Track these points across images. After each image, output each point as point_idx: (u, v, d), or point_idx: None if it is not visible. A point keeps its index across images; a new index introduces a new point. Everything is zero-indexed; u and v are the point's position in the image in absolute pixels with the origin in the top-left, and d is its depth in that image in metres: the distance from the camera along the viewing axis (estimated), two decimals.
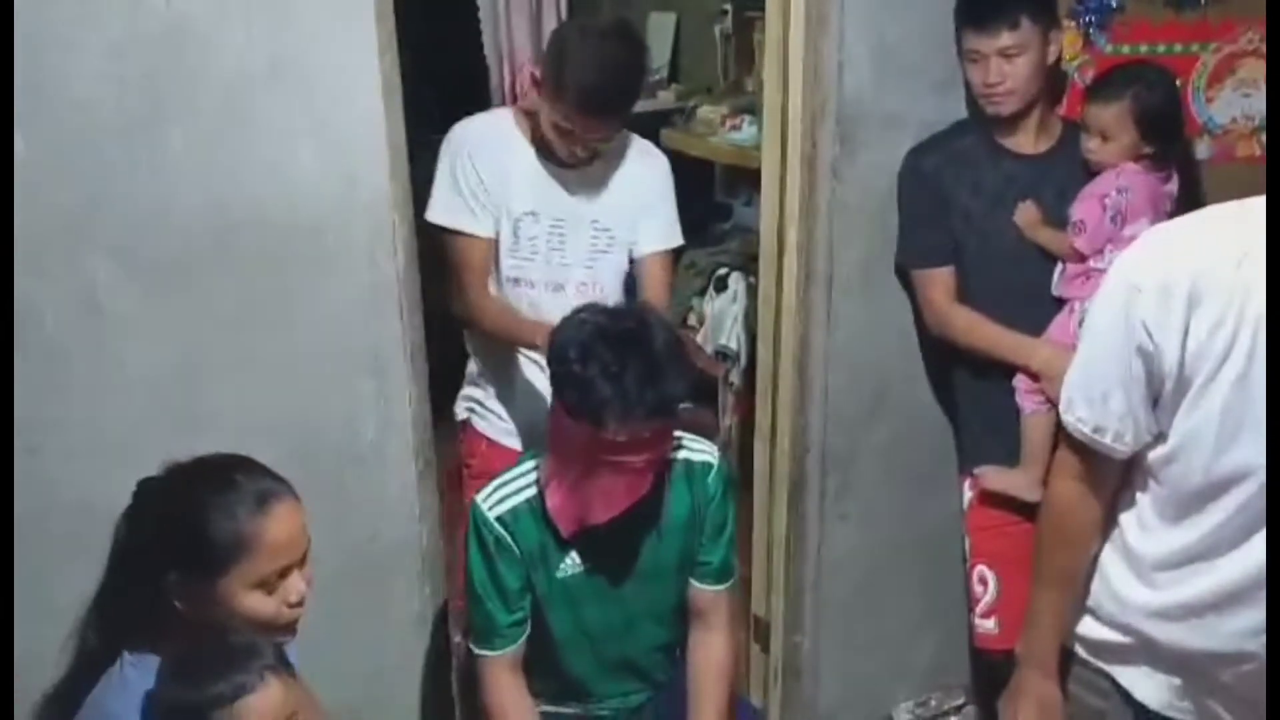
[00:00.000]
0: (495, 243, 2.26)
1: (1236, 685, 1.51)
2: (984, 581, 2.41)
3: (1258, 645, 1.45)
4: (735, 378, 3.72)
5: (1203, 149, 2.59)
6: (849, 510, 2.64)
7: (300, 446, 2.07)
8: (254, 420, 2.01)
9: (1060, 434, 1.59)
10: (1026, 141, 2.32)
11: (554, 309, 2.22)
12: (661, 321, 1.75)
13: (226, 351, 1.98)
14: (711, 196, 4.20)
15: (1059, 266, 2.27)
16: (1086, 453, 1.55)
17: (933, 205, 2.34)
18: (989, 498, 2.37)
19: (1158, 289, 1.40)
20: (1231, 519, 1.43)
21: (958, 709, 2.87)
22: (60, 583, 1.87)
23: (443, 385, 2.41)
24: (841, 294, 2.47)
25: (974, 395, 2.43)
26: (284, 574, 1.43)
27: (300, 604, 1.46)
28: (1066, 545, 1.61)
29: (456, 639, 2.54)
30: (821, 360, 2.51)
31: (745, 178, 3.69)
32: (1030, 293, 2.28)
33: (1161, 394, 1.45)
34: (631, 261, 2.36)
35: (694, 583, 1.93)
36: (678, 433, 1.84)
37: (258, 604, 1.41)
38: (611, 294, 2.31)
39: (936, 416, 2.61)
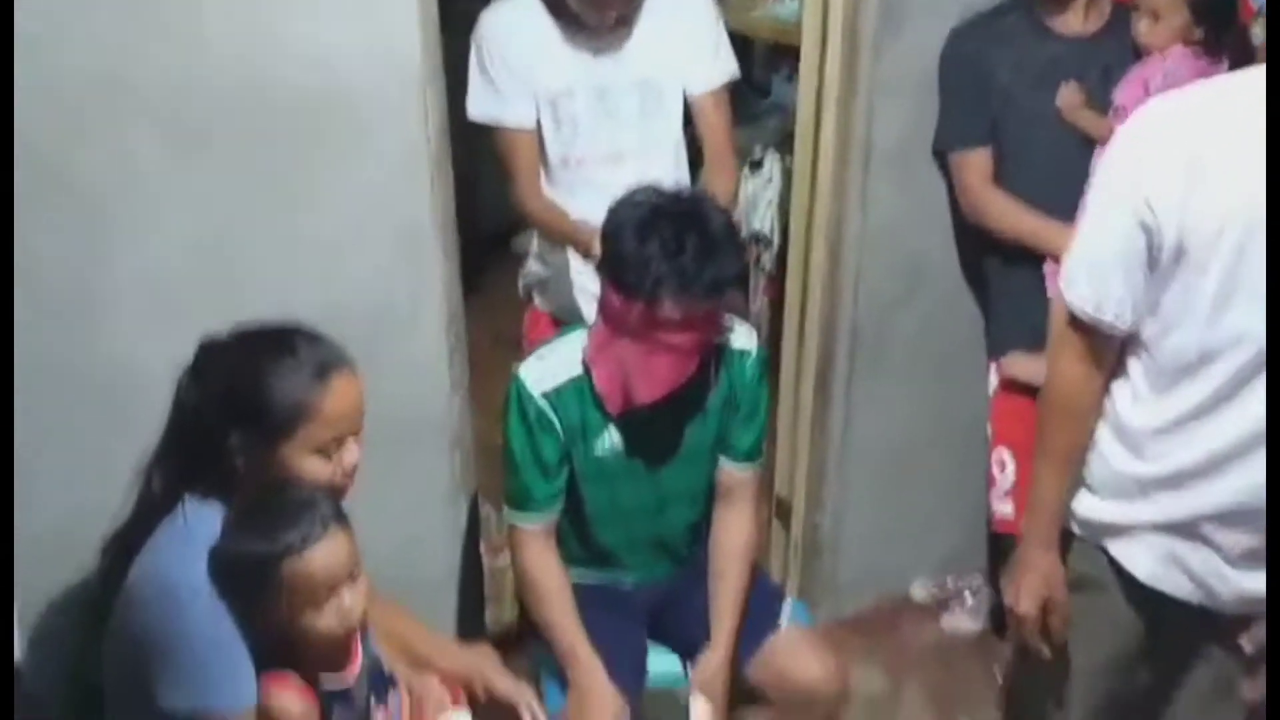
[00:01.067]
0: (538, 132, 2.23)
1: (1229, 548, 1.55)
2: (1003, 465, 2.44)
3: (1248, 502, 1.49)
4: (767, 261, 3.72)
5: (1257, 34, 2.51)
6: (876, 393, 2.66)
7: (332, 316, 2.07)
8: (287, 289, 2.04)
9: (1060, 312, 1.60)
10: (1074, 21, 2.26)
11: (611, 184, 2.21)
12: (717, 204, 1.76)
13: (261, 219, 2.00)
14: (750, 73, 4.12)
15: (1098, 151, 2.23)
16: (1087, 330, 1.56)
17: (974, 86, 2.30)
18: (1014, 384, 2.38)
19: (1159, 162, 1.41)
20: (1223, 385, 1.46)
21: (974, 590, 2.93)
22: (105, 439, 1.94)
23: (474, 258, 2.43)
24: (877, 175, 2.44)
25: (1005, 281, 2.42)
26: (340, 442, 1.48)
27: (354, 471, 1.52)
28: (1069, 423, 1.63)
29: (486, 509, 2.61)
30: (854, 242, 2.49)
31: (785, 55, 3.62)
32: (1068, 178, 2.24)
33: (1158, 267, 1.46)
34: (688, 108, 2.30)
35: (723, 462, 1.97)
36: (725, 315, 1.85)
37: (315, 468, 1.47)
38: (670, 164, 2.28)
39: (967, 302, 2.61)
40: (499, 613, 2.69)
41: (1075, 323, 1.57)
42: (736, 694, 1.94)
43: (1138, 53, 2.19)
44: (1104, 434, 1.63)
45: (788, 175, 2.96)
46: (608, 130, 2.23)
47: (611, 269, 1.72)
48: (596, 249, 1.83)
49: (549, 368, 1.85)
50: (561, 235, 2.24)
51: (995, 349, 2.48)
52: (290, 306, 1.99)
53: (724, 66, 2.31)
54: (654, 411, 1.79)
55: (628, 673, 1.90)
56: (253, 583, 1.41)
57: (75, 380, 1.95)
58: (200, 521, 1.45)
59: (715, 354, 1.86)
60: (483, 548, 2.58)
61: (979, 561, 2.92)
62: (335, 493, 1.51)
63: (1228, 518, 1.53)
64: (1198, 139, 1.39)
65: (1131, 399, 1.58)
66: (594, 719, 1.78)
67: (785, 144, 3.23)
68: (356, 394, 1.50)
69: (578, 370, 1.84)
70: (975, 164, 2.33)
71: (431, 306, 2.20)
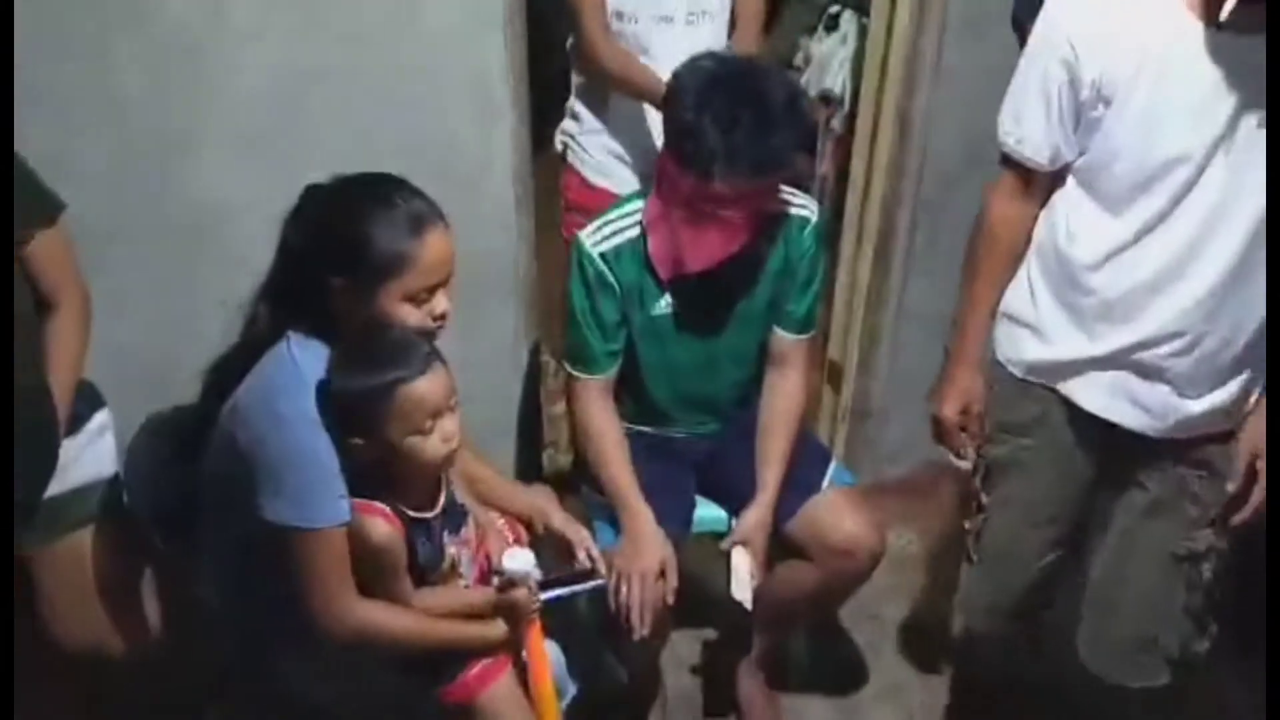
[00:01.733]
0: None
1: (1172, 372, 1.65)
2: None
3: (1186, 325, 1.61)
4: (837, 123, 3.68)
5: None
6: (934, 265, 2.68)
7: (403, 161, 2.11)
8: (361, 136, 2.10)
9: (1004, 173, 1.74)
10: None
11: (659, 43, 2.21)
12: (784, 77, 1.75)
13: (340, 63, 2.05)
14: None
15: None
16: (1016, 167, 1.70)
17: None
18: None
19: (1083, 6, 1.56)
20: (1163, 206, 1.57)
21: None
22: (192, 271, 2.04)
23: (545, 111, 2.45)
24: (952, 45, 2.41)
25: None
26: (432, 291, 1.56)
27: (444, 318, 1.60)
28: (1001, 255, 1.77)
29: (545, 357, 2.69)
30: (924, 112, 2.48)
31: None
32: None
33: (1082, 108, 1.58)
34: None
35: (776, 329, 2.01)
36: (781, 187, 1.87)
37: (408, 314, 1.54)
38: (720, 24, 2.28)
39: None
40: (555, 457, 2.81)
41: (1006, 160, 1.72)
42: (776, 548, 2.03)
43: None
44: (1044, 277, 1.73)
45: (864, 35, 2.91)
46: (654, 26, 2.22)
47: (668, 135, 1.74)
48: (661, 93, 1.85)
49: (608, 230, 1.89)
50: (637, 86, 2.24)
51: None
52: (364, 154, 2.05)
53: None
54: (707, 277, 1.82)
55: (675, 519, 2.00)
56: (360, 413, 1.51)
57: (163, 214, 2.04)
58: (304, 355, 1.54)
59: (772, 222, 1.88)
60: (542, 395, 2.67)
61: None
62: (427, 337, 1.59)
63: (1167, 339, 1.63)
64: None
65: (1068, 235, 1.68)
66: (643, 562, 1.87)
67: (864, 3, 3.17)
68: (448, 247, 1.56)
69: (635, 233, 1.88)
70: None
71: (500, 156, 2.25)
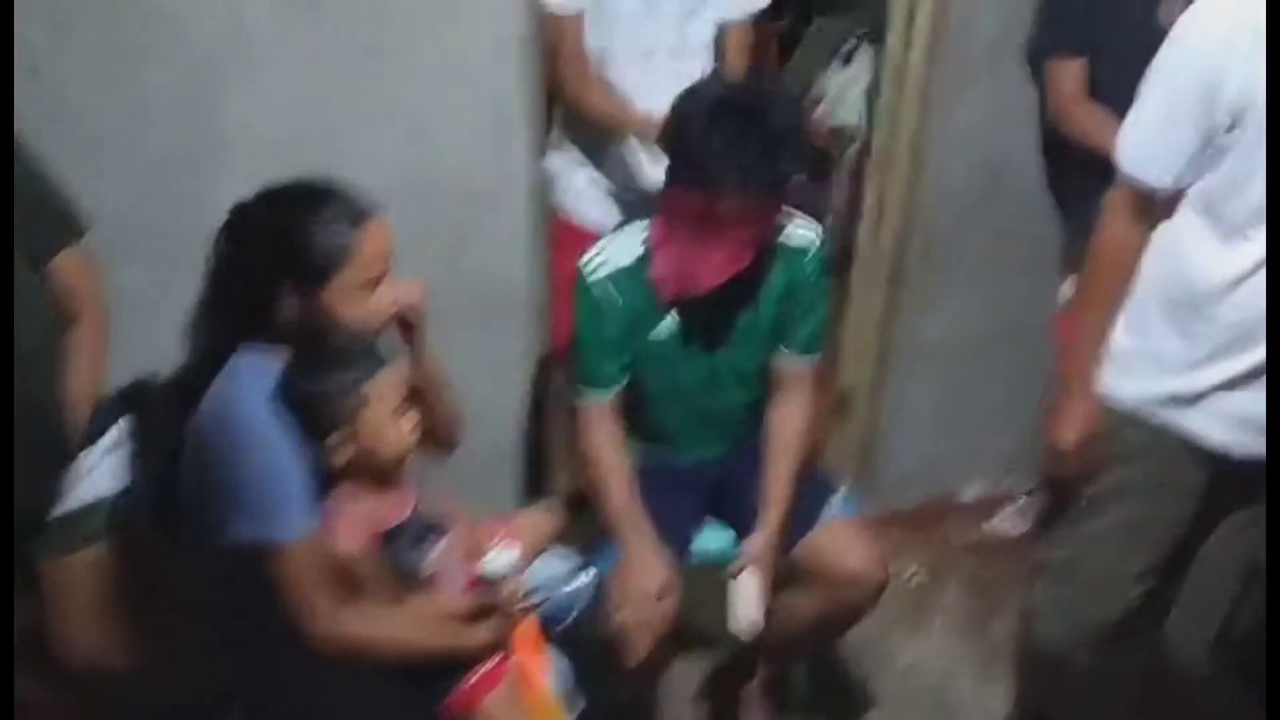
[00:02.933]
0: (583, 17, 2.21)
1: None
2: None
3: None
4: (853, 154, 3.69)
5: None
6: (946, 294, 2.69)
7: (420, 182, 2.18)
8: (381, 153, 2.12)
9: (1117, 190, 1.73)
10: None
11: (640, 80, 2.22)
12: (787, 97, 1.77)
13: (360, 83, 2.07)
14: None
15: None
16: (1135, 188, 1.69)
17: None
18: None
19: (1225, 30, 1.53)
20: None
21: (1025, 494, 2.98)
22: None
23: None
24: (967, 76, 2.43)
25: (1086, 195, 2.36)
26: (376, 282, 1.58)
27: (389, 309, 1.62)
28: (1113, 276, 1.77)
29: (557, 378, 2.69)
30: (938, 142, 2.49)
31: None
32: None
33: (1216, 133, 1.57)
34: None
35: (782, 350, 2.01)
36: (784, 209, 1.88)
37: (356, 309, 1.57)
38: (703, 61, 2.28)
39: (1044, 212, 2.60)
40: (565, 476, 2.81)
41: (1125, 180, 1.70)
42: (782, 576, 2.03)
43: None
44: (1160, 305, 1.72)
45: (879, 68, 2.93)
46: (649, 22, 2.22)
47: (673, 158, 1.75)
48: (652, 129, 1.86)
49: (612, 252, 1.90)
50: (623, 123, 2.24)
51: (1070, 261, 2.47)
52: (382, 173, 2.07)
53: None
54: (708, 299, 1.83)
55: (676, 545, 1.99)
56: (335, 408, 1.55)
57: (184, 232, 2.04)
58: (253, 371, 1.56)
59: (775, 246, 1.89)
60: (553, 413, 2.67)
61: (1031, 469, 2.97)
62: (376, 332, 1.62)
63: None
64: (1260, 14, 1.50)
65: (1188, 262, 1.67)
66: (643, 583, 1.87)
67: (880, 36, 3.19)
68: (387, 237, 1.59)
69: (639, 253, 1.89)
70: (1071, 74, 2.31)
71: (515, 180, 2.27)
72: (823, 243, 1.96)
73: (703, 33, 2.29)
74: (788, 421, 2.04)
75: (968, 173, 2.54)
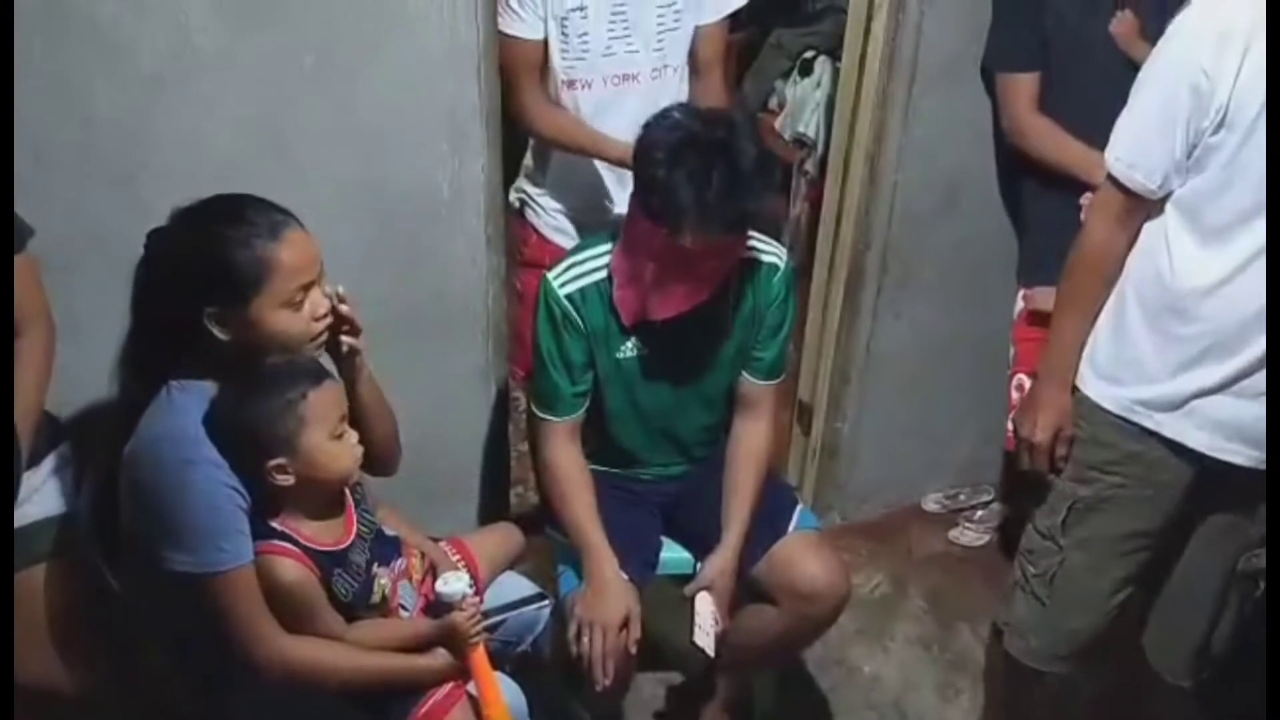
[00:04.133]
0: (544, 45, 2.18)
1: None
2: (1022, 389, 2.46)
3: None
4: (810, 166, 3.71)
5: None
6: (902, 308, 2.70)
7: (375, 197, 2.16)
8: (333, 170, 2.09)
9: (1102, 190, 1.74)
10: None
11: (618, 106, 2.20)
12: (752, 132, 1.74)
13: (310, 101, 2.04)
14: None
15: None
16: (1122, 191, 1.70)
17: (1029, 4, 2.27)
18: (1039, 315, 2.40)
19: (1218, 35, 1.54)
20: (1265, 233, 1.58)
21: (985, 504, 3.00)
22: None
23: (518, 149, 2.45)
24: (922, 89, 2.44)
25: (1041, 207, 2.42)
26: (305, 291, 1.56)
27: (325, 317, 1.60)
28: (1094, 278, 1.78)
29: (516, 394, 2.68)
30: (894, 155, 2.50)
31: None
32: (1114, 108, 2.22)
33: (1202, 136, 1.59)
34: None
35: (745, 375, 2.00)
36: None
37: (288, 321, 1.55)
38: (682, 75, 2.27)
39: (1002, 223, 2.61)
40: (525, 495, 2.79)
41: (1112, 182, 1.71)
42: (742, 592, 2.02)
43: None
44: (1142, 310, 1.73)
45: (838, 77, 2.94)
46: (626, 46, 2.18)
47: (638, 189, 1.73)
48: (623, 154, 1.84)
49: (575, 272, 1.88)
50: (580, 145, 2.22)
51: (1025, 275, 2.49)
52: (332, 188, 2.05)
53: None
54: (674, 322, 1.82)
55: (639, 563, 1.98)
56: (276, 430, 1.52)
57: (127, 244, 2.01)
58: (185, 399, 1.54)
59: (740, 269, 1.88)
60: (511, 433, 2.66)
61: (991, 478, 2.99)
62: (313, 343, 1.60)
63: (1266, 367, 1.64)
64: (1253, 13, 1.52)
65: (1170, 267, 1.68)
66: (606, 611, 1.86)
67: (838, 48, 3.21)
68: (310, 245, 1.57)
69: (603, 275, 1.87)
70: (1023, 88, 2.32)
71: (472, 195, 2.24)
72: (788, 264, 1.95)
73: (680, 46, 2.25)
74: (750, 442, 2.03)
75: (924, 186, 2.55)
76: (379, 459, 1.78)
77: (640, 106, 2.00)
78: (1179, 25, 1.61)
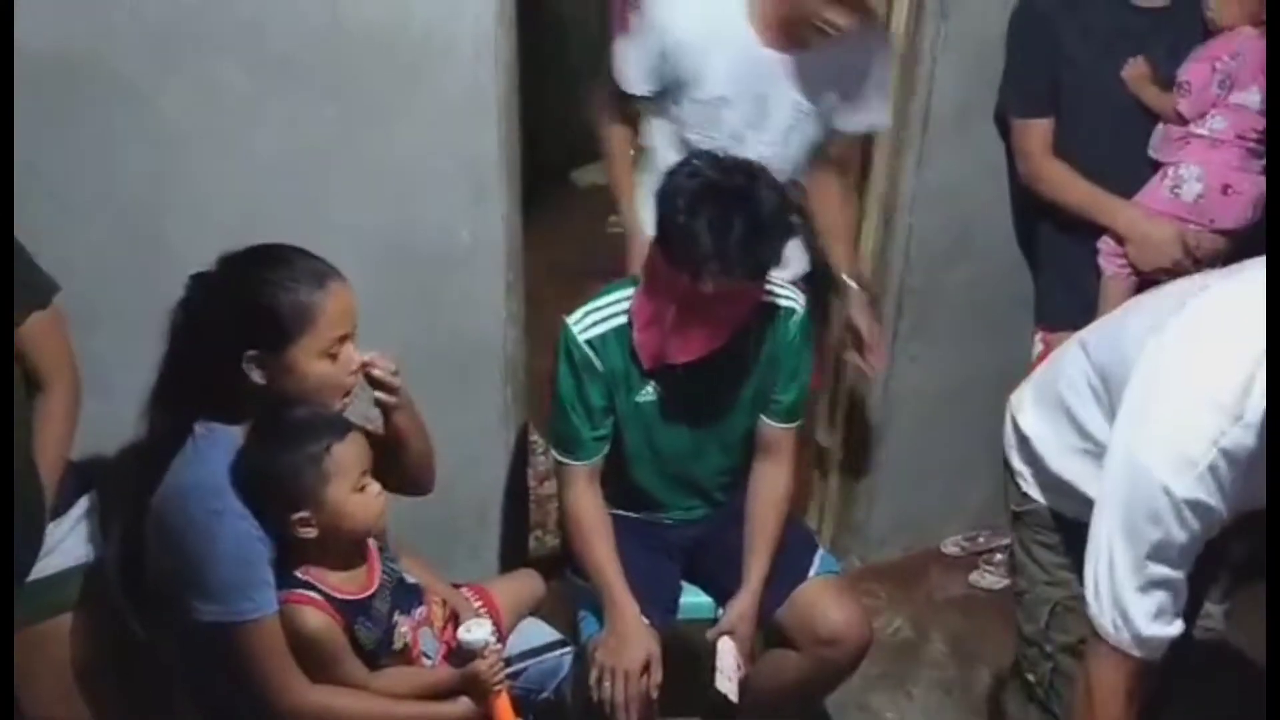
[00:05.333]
0: (649, 100, 2.17)
1: None
2: None
3: None
4: None
5: None
6: (919, 351, 2.70)
7: (397, 245, 2.19)
8: (355, 219, 2.12)
9: (1103, 660, 1.46)
10: None
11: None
12: (771, 181, 1.75)
13: (334, 150, 2.07)
14: None
15: (1159, 128, 2.23)
16: (1143, 666, 1.45)
17: (1041, 50, 2.31)
18: None
19: (1196, 480, 1.34)
20: None
21: (1004, 547, 2.98)
22: None
23: (533, 191, 2.47)
24: (936, 134, 2.46)
25: (1056, 251, 2.44)
26: (342, 342, 1.58)
27: (357, 371, 1.62)
28: None
29: (534, 438, 2.69)
30: (908, 200, 2.52)
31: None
32: (1127, 153, 2.26)
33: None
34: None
35: (764, 418, 2.01)
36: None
37: (324, 370, 1.57)
38: (797, 167, 2.21)
39: (1017, 266, 2.63)
40: (543, 539, 2.79)
41: (1133, 668, 1.44)
42: (763, 637, 2.02)
43: (1206, 30, 2.18)
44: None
45: None
46: (754, 134, 2.13)
47: (660, 235, 1.75)
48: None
49: (595, 317, 1.90)
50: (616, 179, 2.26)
51: (1042, 316, 2.50)
52: (355, 233, 2.08)
53: (878, 116, 2.25)
54: (693, 366, 1.83)
55: (660, 607, 1.98)
56: (300, 482, 1.53)
57: (155, 297, 2.04)
58: (213, 446, 1.55)
59: (758, 313, 1.89)
60: (529, 477, 2.66)
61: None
62: (344, 394, 1.62)
63: None
64: (1215, 434, 1.34)
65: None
66: (627, 657, 1.86)
67: None
68: (350, 296, 1.59)
69: (623, 320, 1.89)
70: (1036, 132, 2.35)
71: (492, 243, 2.27)
72: (805, 308, 1.97)
73: (803, 140, 2.19)
74: (770, 486, 2.04)
75: (939, 231, 2.57)
76: (414, 481, 1.80)
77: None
78: (1146, 484, 1.37)
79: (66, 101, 1.87)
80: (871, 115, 2.23)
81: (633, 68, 2.12)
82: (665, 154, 2.13)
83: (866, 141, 2.51)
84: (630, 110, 2.22)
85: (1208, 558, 1.73)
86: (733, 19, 2.06)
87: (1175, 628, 1.43)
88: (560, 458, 1.98)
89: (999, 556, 2.97)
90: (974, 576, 2.95)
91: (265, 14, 1.93)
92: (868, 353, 2.37)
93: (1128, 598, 1.40)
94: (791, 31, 2.03)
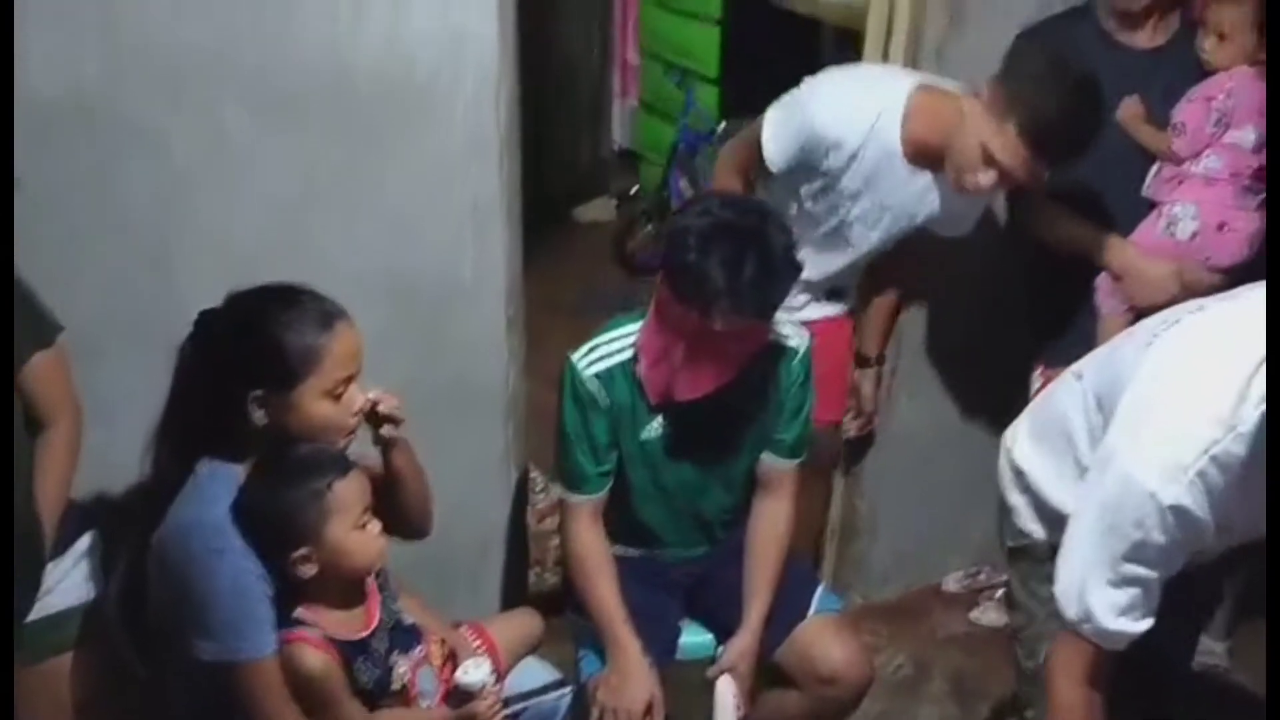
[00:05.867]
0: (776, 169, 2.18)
1: None
2: None
3: None
4: None
5: None
6: (918, 388, 2.71)
7: (398, 284, 2.20)
8: (357, 258, 2.13)
9: (1066, 647, 1.50)
10: (1140, 35, 2.27)
11: (820, 253, 2.25)
12: (781, 223, 1.78)
13: (337, 191, 2.09)
14: (818, 58, 4.15)
15: (1154, 167, 2.25)
16: (1104, 655, 1.48)
17: None
18: None
19: (1184, 488, 1.35)
20: None
21: (1005, 584, 2.97)
22: None
23: (534, 229, 2.48)
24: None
25: (1052, 290, 2.44)
26: (347, 383, 1.59)
27: (360, 412, 1.63)
28: None
29: (534, 475, 2.69)
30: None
31: (853, 40, 3.64)
32: (1122, 192, 2.27)
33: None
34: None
35: (766, 455, 2.02)
36: None
37: (328, 411, 1.58)
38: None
39: (1016, 303, 2.63)
40: (543, 576, 2.79)
41: (1100, 655, 1.48)
42: (764, 676, 2.01)
43: (1201, 70, 2.20)
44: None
45: None
46: (863, 231, 2.22)
47: (670, 273, 1.76)
48: None
49: (601, 352, 1.91)
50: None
51: (1041, 355, 2.50)
52: (358, 273, 2.10)
53: (967, 228, 2.32)
54: (698, 403, 1.84)
55: (660, 646, 1.98)
56: (301, 520, 1.54)
57: (157, 334, 2.05)
58: (215, 484, 1.56)
59: (763, 352, 1.91)
60: (529, 514, 2.66)
61: None
62: (346, 434, 1.63)
63: None
64: (1205, 444, 1.35)
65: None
66: (629, 697, 1.86)
67: None
68: (357, 338, 1.61)
69: (628, 355, 1.90)
70: None
71: (494, 280, 2.28)
72: (807, 346, 1.98)
73: (902, 236, 2.28)
74: (771, 523, 2.04)
75: (934, 271, 2.58)
76: (412, 523, 1.81)
77: (833, 263, 2.23)
78: (1135, 494, 1.37)
79: (74, 140, 1.89)
80: (963, 228, 2.31)
81: (776, 145, 2.14)
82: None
83: None
84: (748, 170, 2.24)
85: (1207, 589, 1.74)
86: (889, 130, 2.10)
87: (1142, 625, 1.44)
88: (564, 493, 1.99)
89: (1000, 593, 2.96)
90: (975, 614, 2.94)
91: (271, 57, 1.95)
92: (859, 418, 2.60)
93: (1098, 591, 1.42)
94: (935, 160, 2.10)
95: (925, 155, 2.11)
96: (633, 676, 1.87)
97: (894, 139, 2.11)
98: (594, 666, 1.96)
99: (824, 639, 1.98)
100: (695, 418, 1.90)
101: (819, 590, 2.08)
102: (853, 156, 2.11)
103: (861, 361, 2.55)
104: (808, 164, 2.14)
